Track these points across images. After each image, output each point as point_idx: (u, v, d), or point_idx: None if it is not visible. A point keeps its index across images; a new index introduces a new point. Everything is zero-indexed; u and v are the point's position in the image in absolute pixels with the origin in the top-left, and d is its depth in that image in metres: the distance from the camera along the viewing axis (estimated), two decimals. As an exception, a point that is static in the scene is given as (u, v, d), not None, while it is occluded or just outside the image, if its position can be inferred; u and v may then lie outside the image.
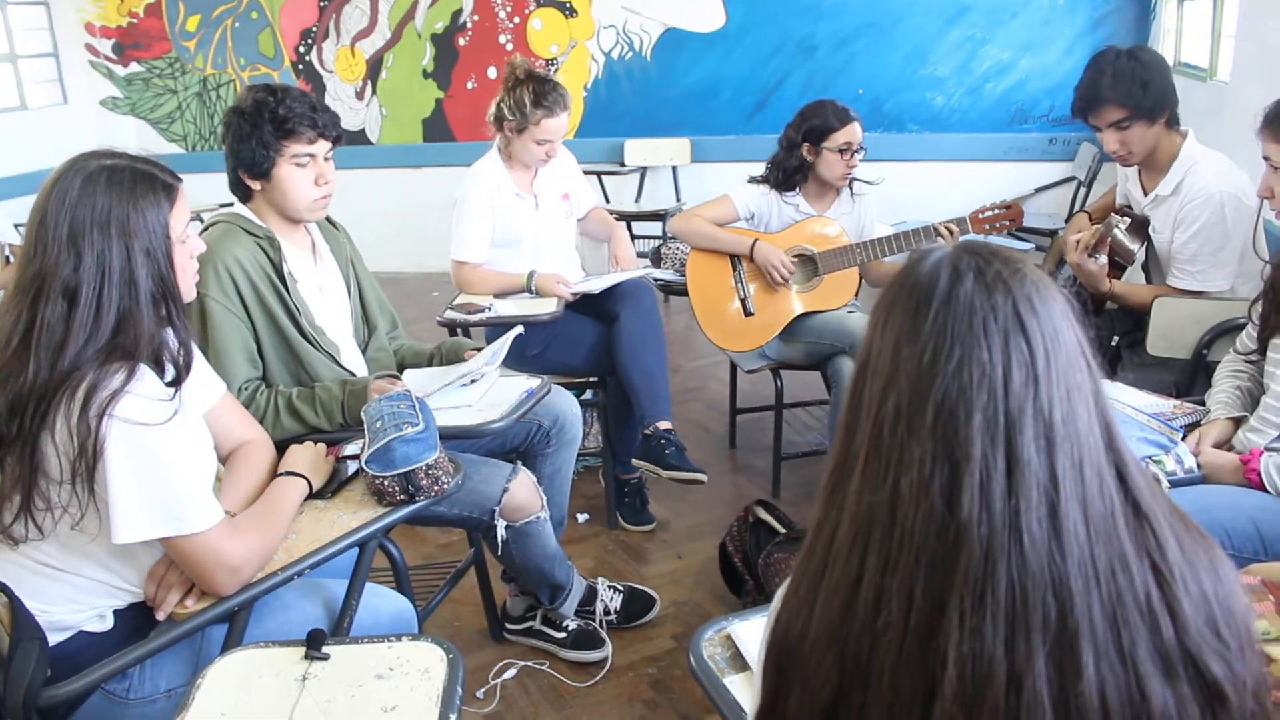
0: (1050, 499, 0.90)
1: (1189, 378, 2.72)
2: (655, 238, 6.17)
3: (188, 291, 1.81)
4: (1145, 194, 2.94)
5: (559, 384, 3.01)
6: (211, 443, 1.92)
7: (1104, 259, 2.86)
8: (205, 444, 1.88)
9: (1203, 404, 2.37)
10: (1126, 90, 2.75)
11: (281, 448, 2.12)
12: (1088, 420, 0.93)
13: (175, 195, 1.75)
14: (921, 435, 0.91)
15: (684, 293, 3.68)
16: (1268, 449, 2.07)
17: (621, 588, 3.01)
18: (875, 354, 0.97)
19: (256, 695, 1.45)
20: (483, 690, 2.72)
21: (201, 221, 2.49)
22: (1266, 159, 2.08)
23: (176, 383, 1.71)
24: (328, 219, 2.63)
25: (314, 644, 1.53)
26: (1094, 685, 0.88)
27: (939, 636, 0.89)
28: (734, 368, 4.01)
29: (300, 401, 2.35)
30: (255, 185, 2.41)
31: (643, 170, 6.82)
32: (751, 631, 1.51)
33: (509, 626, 2.93)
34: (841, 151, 3.43)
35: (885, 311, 0.98)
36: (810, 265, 3.54)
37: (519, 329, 2.75)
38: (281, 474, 2.00)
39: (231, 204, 2.49)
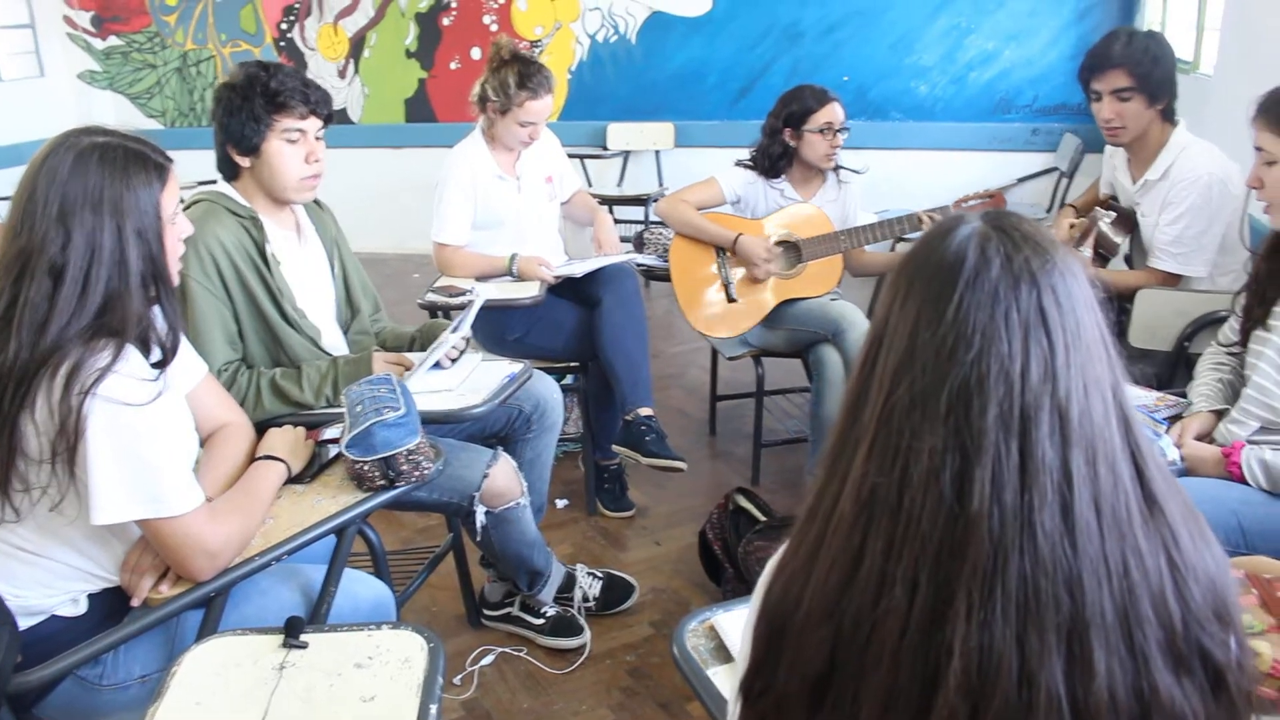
0: (1063, 495, 0.89)
1: (1170, 370, 2.72)
2: (638, 222, 6.15)
3: (175, 274, 1.78)
4: (1134, 181, 2.95)
5: (540, 368, 2.99)
6: (193, 425, 1.90)
7: (1088, 251, 2.87)
8: (187, 426, 1.86)
9: (1184, 396, 2.37)
10: (1138, 60, 2.78)
11: (261, 431, 2.09)
12: (1104, 413, 0.92)
13: (167, 175, 1.72)
14: (935, 423, 0.90)
15: (666, 278, 3.67)
16: (1249, 442, 2.07)
17: (600, 574, 3.00)
18: (891, 329, 0.95)
19: (233, 683, 1.43)
20: (460, 676, 2.70)
21: (183, 200, 2.44)
22: (1258, 149, 2.08)
23: (162, 364, 1.69)
24: (315, 200, 2.60)
25: (292, 631, 1.51)
26: (1104, 682, 0.87)
27: (945, 627, 0.88)
28: (715, 354, 4.00)
29: (284, 380, 2.32)
30: (244, 161, 2.37)
31: (626, 154, 6.78)
32: (735, 622, 1.50)
33: (487, 612, 2.92)
34: (822, 131, 3.42)
35: (907, 284, 0.96)
36: (794, 252, 3.52)
37: (481, 300, 2.72)
38: (260, 458, 1.98)
39: (214, 182, 2.45)
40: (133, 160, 1.66)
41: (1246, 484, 2.01)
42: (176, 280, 1.80)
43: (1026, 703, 0.87)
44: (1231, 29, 4.10)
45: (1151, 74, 2.78)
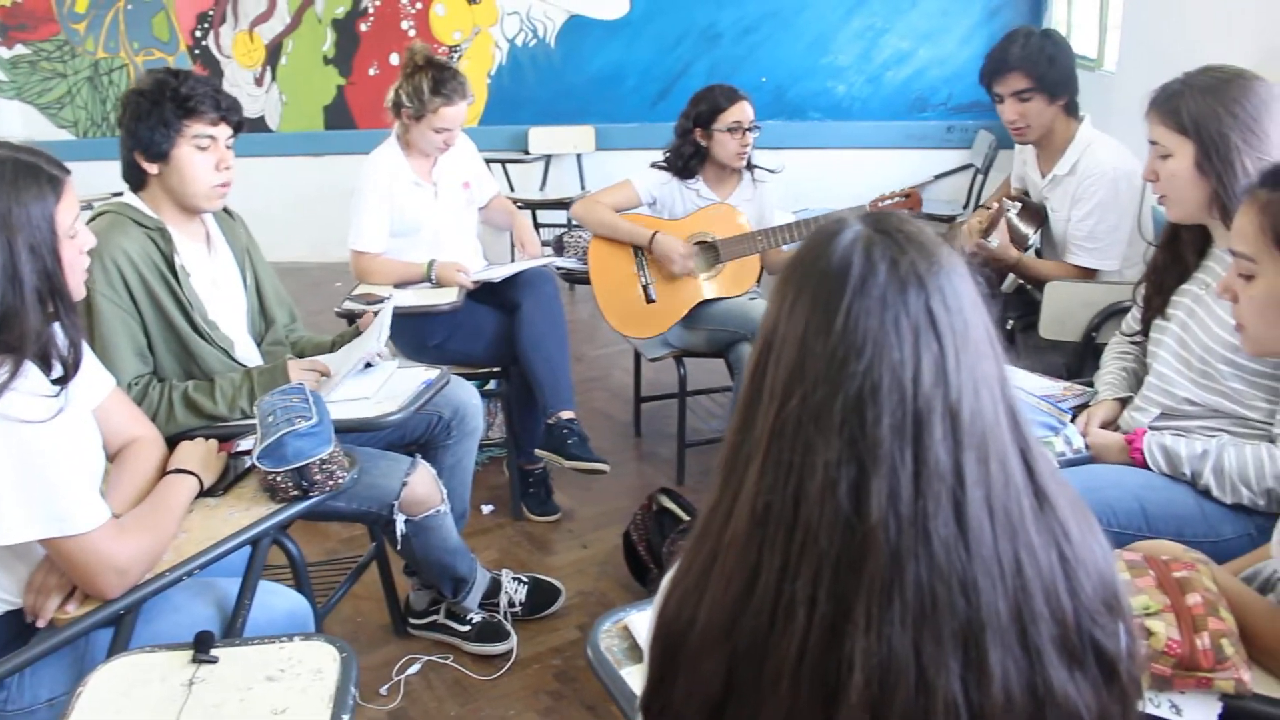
0: (957, 498, 0.88)
1: (1079, 360, 2.79)
2: (560, 226, 6.14)
3: (77, 289, 1.74)
4: (1043, 176, 3.03)
5: (461, 374, 2.99)
6: (99, 441, 1.86)
7: (996, 241, 2.93)
8: (92, 442, 1.82)
9: (1091, 385, 2.42)
10: (1034, 61, 2.87)
11: (173, 445, 2.06)
12: (994, 410, 0.91)
13: (62, 188, 1.68)
14: (829, 436, 0.89)
15: (588, 280, 3.67)
16: (1151, 428, 2.12)
17: (526, 579, 2.99)
18: (781, 339, 0.93)
19: (140, 702, 1.41)
20: (386, 687, 2.68)
21: (91, 207, 2.40)
22: (1152, 143, 2.13)
23: (64, 380, 1.65)
24: (224, 209, 2.56)
25: (202, 646, 1.50)
26: (999, 683, 0.87)
27: (845, 641, 0.87)
28: (638, 356, 4.01)
29: (197, 393, 2.28)
30: (152, 168, 2.32)
31: (547, 158, 6.77)
32: (646, 622, 1.50)
33: (412, 621, 2.90)
34: (732, 130, 3.46)
35: (794, 292, 0.94)
36: (712, 252, 3.55)
37: (394, 302, 2.71)
38: (171, 471, 1.95)
39: (121, 194, 2.41)
40: (23, 173, 1.62)
41: (1149, 469, 2.06)
42: (80, 295, 1.77)
43: (924, 710, 0.87)
44: (1131, 27, 4.22)
45: (1048, 73, 2.87)
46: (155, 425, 2.12)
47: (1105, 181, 2.84)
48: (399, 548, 2.56)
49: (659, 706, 0.98)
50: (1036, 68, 2.86)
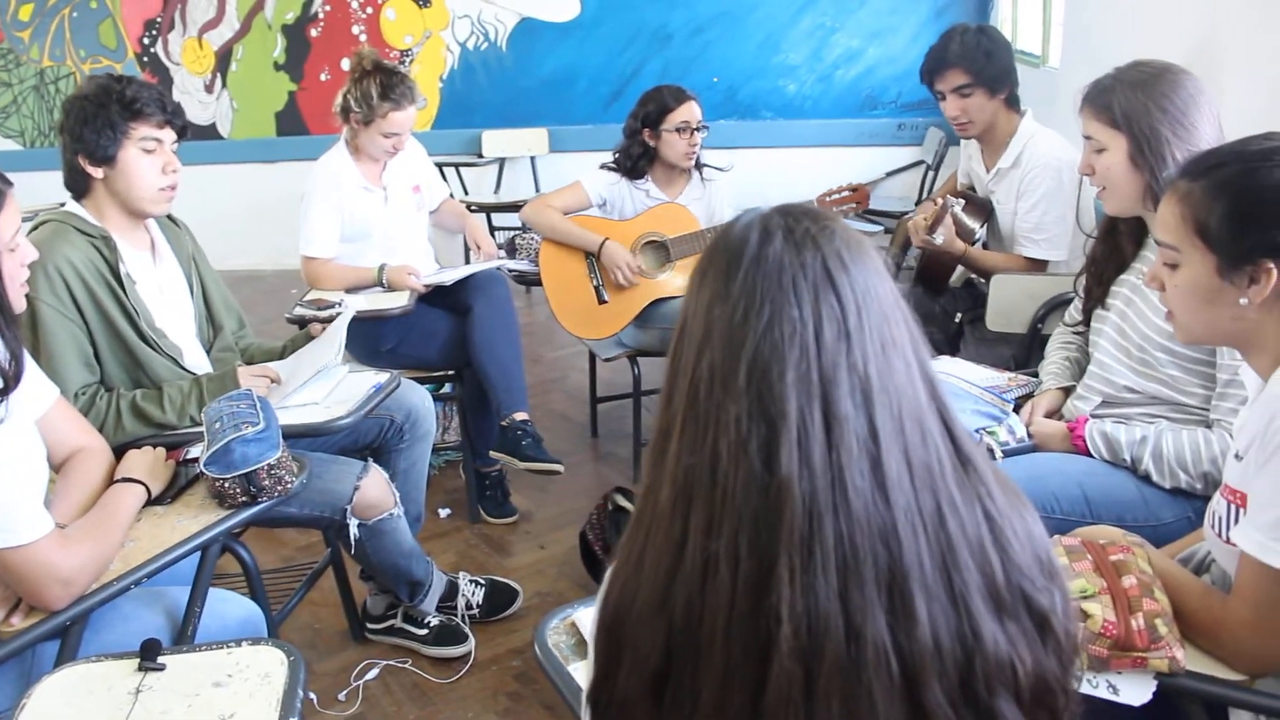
0: (870, 452, 0.90)
1: (1026, 351, 2.83)
2: (516, 229, 6.14)
3: (17, 301, 1.73)
4: (988, 170, 3.07)
5: (415, 378, 2.98)
6: (43, 451, 1.85)
7: (941, 237, 2.97)
8: (35, 452, 1.81)
9: (1036, 376, 2.46)
10: (972, 57, 2.93)
11: (120, 454, 2.05)
12: (905, 372, 0.93)
13: (2, 200, 1.67)
14: (736, 394, 0.91)
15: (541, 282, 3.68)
16: (1092, 415, 2.16)
17: (483, 581, 2.99)
18: (690, 316, 0.97)
19: (86, 712, 1.40)
20: (344, 692, 2.68)
21: (34, 217, 2.38)
22: (1086, 137, 2.17)
23: (4, 392, 1.64)
24: (169, 216, 2.55)
25: (148, 654, 1.49)
26: (927, 629, 0.89)
27: (770, 595, 0.88)
28: (594, 357, 4.02)
29: (145, 401, 2.27)
30: (97, 173, 2.31)
31: (501, 161, 6.76)
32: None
33: (370, 626, 2.89)
34: (680, 130, 3.48)
35: (700, 275, 0.98)
36: (663, 251, 3.57)
37: (351, 312, 2.72)
38: (117, 480, 1.94)
39: (65, 204, 2.39)
40: None
41: (1091, 456, 2.09)
42: (20, 307, 1.75)
43: (856, 658, 0.88)
44: (1073, 24, 4.28)
45: (986, 68, 2.92)
46: (103, 435, 2.11)
47: (1049, 172, 2.89)
48: (353, 552, 2.56)
49: (606, 698, 0.99)
50: (974, 63, 2.91)
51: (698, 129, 3.50)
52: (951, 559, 0.91)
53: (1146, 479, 2.01)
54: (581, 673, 1.44)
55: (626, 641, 0.96)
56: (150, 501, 1.96)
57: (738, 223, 0.98)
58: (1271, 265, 1.41)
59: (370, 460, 2.55)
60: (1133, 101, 2.07)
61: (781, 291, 0.92)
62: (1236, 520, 1.43)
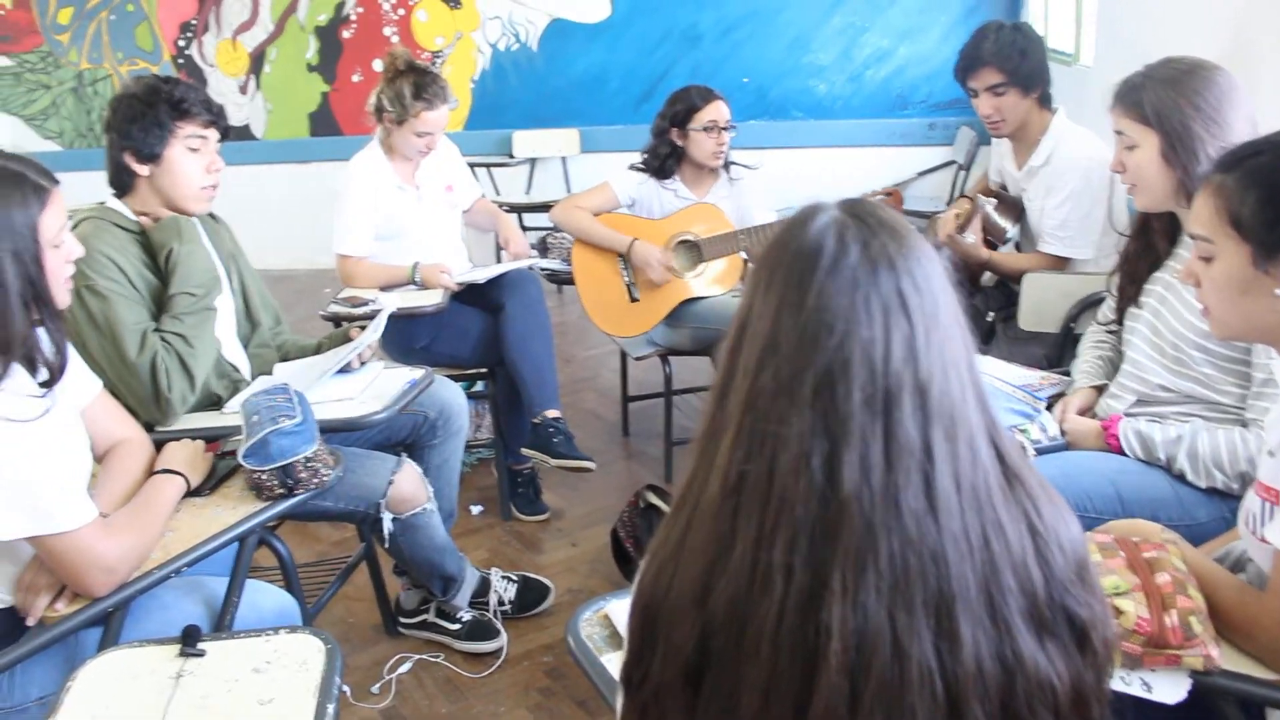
0: (926, 473, 0.91)
1: (1058, 350, 2.82)
2: (546, 229, 6.15)
3: (61, 298, 1.76)
4: (1019, 168, 3.07)
5: (448, 375, 3.01)
6: (87, 441, 1.88)
7: (973, 236, 2.97)
8: (79, 442, 1.84)
9: (1069, 374, 2.45)
10: (1006, 55, 2.91)
11: (159, 447, 2.08)
12: (961, 391, 0.94)
13: (47, 197, 1.70)
14: (801, 408, 0.91)
15: (574, 281, 3.70)
16: (1126, 414, 2.15)
17: (515, 577, 3.01)
18: (755, 317, 0.96)
19: (129, 695, 1.43)
20: (378, 685, 2.70)
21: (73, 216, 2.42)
22: (1118, 134, 2.17)
23: (50, 383, 1.67)
24: (210, 213, 2.58)
25: (189, 640, 1.52)
26: (970, 652, 0.90)
27: (822, 609, 0.89)
28: (625, 356, 4.04)
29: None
30: (143, 170, 2.35)
31: (532, 161, 6.79)
32: (626, 609, 1.53)
33: (403, 620, 2.92)
34: (708, 130, 3.49)
35: (768, 272, 0.97)
36: (694, 251, 3.58)
37: (389, 310, 2.75)
38: (158, 471, 1.97)
39: (104, 201, 2.43)
40: (8, 181, 1.64)
41: (1124, 455, 2.09)
42: (64, 302, 1.78)
43: (901, 677, 0.89)
44: (1106, 22, 4.26)
45: (1021, 67, 2.91)
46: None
47: (1079, 170, 2.87)
48: (387, 546, 2.58)
49: (639, 677, 1.00)
50: (1009, 62, 2.90)
51: (725, 128, 3.51)
52: (995, 581, 0.92)
53: (1181, 478, 2.00)
54: (615, 664, 1.45)
55: (660, 628, 0.97)
56: (189, 493, 1.99)
57: (810, 224, 0.97)
58: None
59: (404, 455, 2.57)
60: (1164, 98, 2.06)
61: (854, 309, 0.92)
62: (1271, 517, 1.43)
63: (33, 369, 1.66)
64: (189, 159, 2.36)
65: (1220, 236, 1.49)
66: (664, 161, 3.58)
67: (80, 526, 1.63)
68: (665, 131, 3.54)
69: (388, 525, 2.48)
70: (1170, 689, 1.38)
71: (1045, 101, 2.99)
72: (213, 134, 2.40)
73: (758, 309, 0.97)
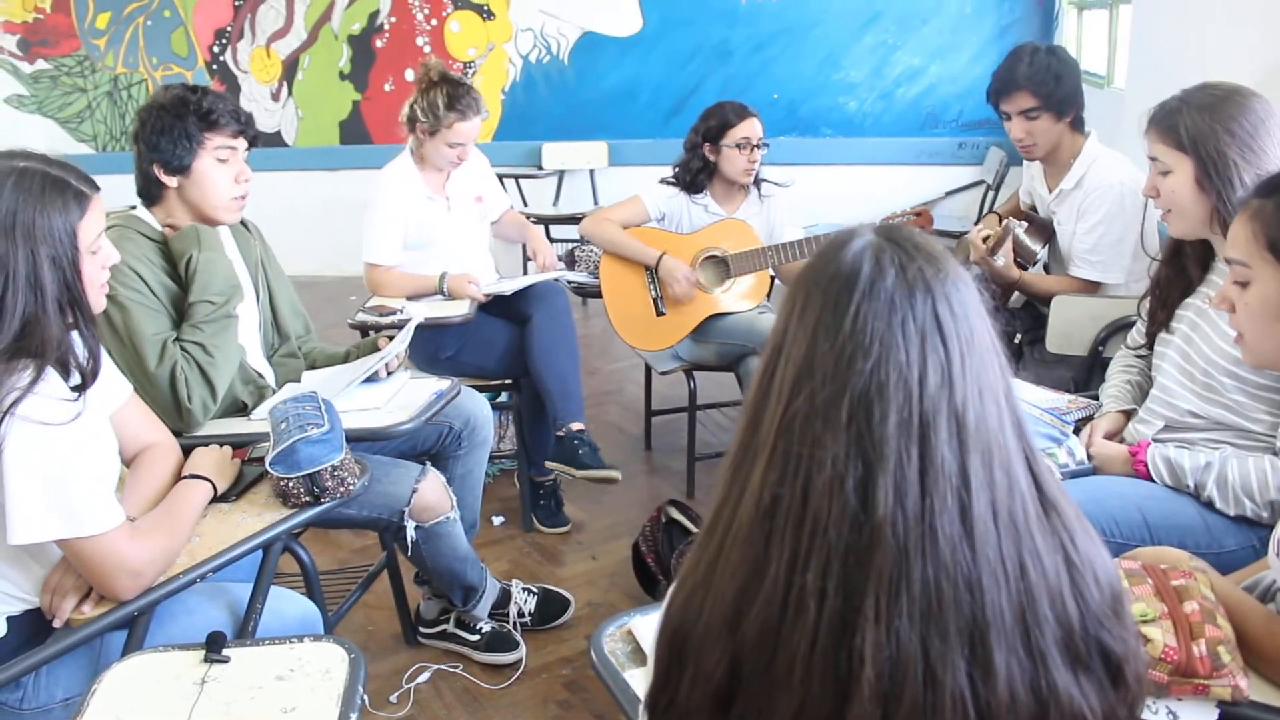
0: (962, 499, 0.90)
1: (1086, 373, 2.81)
2: (574, 241, 6.18)
3: (97, 303, 1.78)
4: (1050, 191, 3.05)
5: (473, 386, 3.02)
6: (115, 446, 1.89)
7: (1003, 259, 2.96)
8: (109, 446, 1.85)
9: (1096, 398, 2.44)
10: (1041, 80, 2.89)
11: (188, 452, 2.09)
12: (998, 417, 0.93)
13: (87, 204, 1.71)
14: (836, 432, 0.91)
15: (600, 294, 3.70)
16: (1154, 440, 2.14)
17: (536, 589, 3.02)
18: (790, 340, 0.96)
19: (153, 699, 1.43)
20: (396, 695, 2.71)
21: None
22: (1152, 159, 2.16)
23: (82, 387, 1.69)
24: (240, 221, 2.59)
25: (214, 646, 1.52)
26: (1004, 682, 0.89)
27: (856, 634, 0.89)
28: (649, 370, 4.04)
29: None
30: (172, 181, 2.35)
31: (561, 173, 6.82)
32: (651, 625, 1.52)
33: (423, 630, 2.92)
34: (740, 146, 3.49)
35: (804, 295, 0.97)
36: (722, 267, 3.58)
37: (417, 319, 2.77)
38: (185, 477, 1.98)
39: (135, 207, 2.44)
40: (51, 186, 1.66)
41: (1152, 481, 2.07)
42: (99, 308, 1.80)
43: (933, 704, 0.88)
44: (1140, 45, 4.24)
45: (1055, 92, 2.89)
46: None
47: (1110, 195, 2.86)
48: (409, 554, 2.59)
49: (665, 702, 1.00)
50: (1044, 86, 2.88)
51: (758, 145, 3.51)
52: (1031, 611, 0.91)
53: (1209, 506, 1.98)
54: (638, 680, 1.45)
55: (690, 653, 0.97)
56: (216, 498, 2.00)
57: (848, 248, 0.97)
58: None
59: (428, 464, 2.58)
60: (1200, 124, 2.05)
61: (890, 333, 0.92)
62: (1303, 547, 1.42)
63: (66, 373, 1.67)
64: (218, 170, 2.37)
65: (1257, 261, 1.49)
66: (695, 176, 3.58)
67: (108, 530, 1.64)
68: (698, 146, 3.55)
69: (411, 533, 2.49)
70: (1197, 719, 1.37)
71: (1078, 125, 2.97)
72: (241, 143, 2.41)
73: (793, 332, 0.96)
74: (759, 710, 0.93)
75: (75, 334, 1.71)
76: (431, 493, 2.52)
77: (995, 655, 0.89)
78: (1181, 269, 2.23)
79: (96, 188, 1.75)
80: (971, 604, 0.89)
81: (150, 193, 2.40)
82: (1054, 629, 0.92)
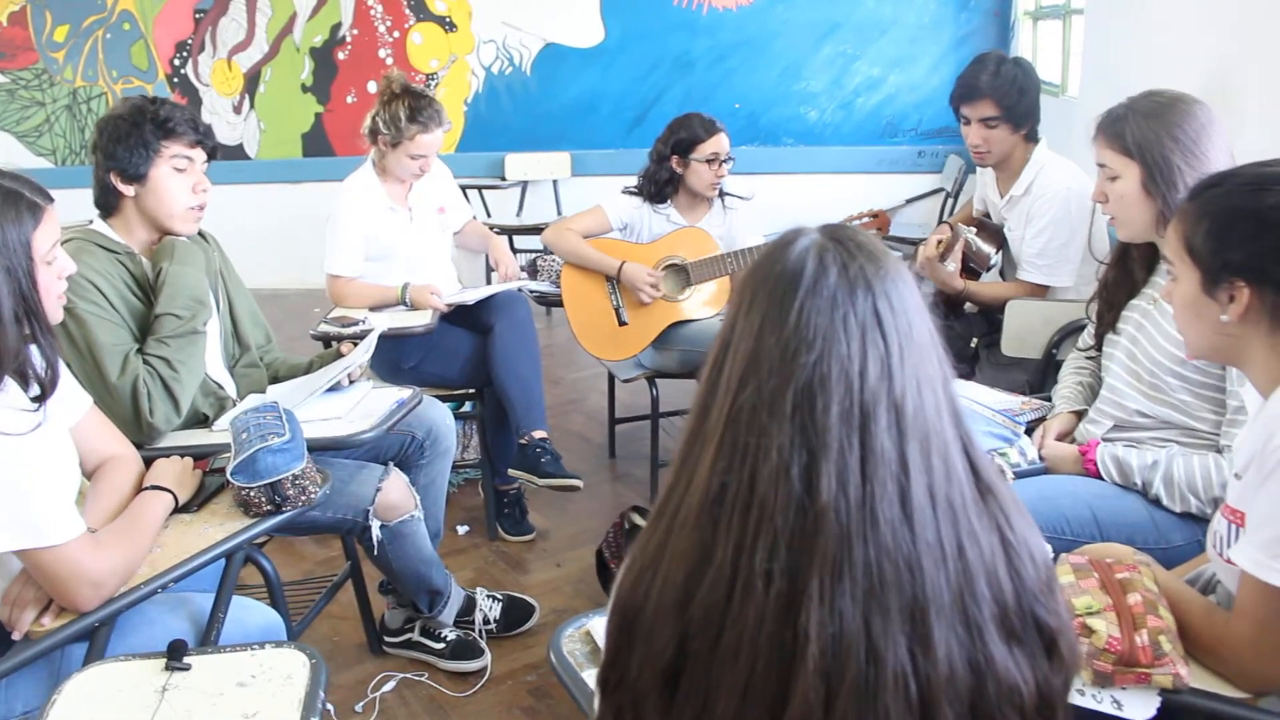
0: (901, 484, 0.94)
1: (1041, 376, 2.85)
2: (537, 251, 6.19)
3: (54, 313, 1.78)
4: (1001, 197, 3.11)
5: (436, 396, 3.03)
6: (76, 457, 1.90)
7: (953, 264, 3.00)
8: (68, 457, 1.86)
9: (1050, 400, 2.49)
10: (1005, 91, 2.94)
11: (148, 464, 2.10)
12: (936, 407, 0.97)
13: (41, 215, 1.72)
14: (781, 422, 0.95)
15: (562, 303, 3.72)
16: (1104, 439, 2.18)
17: (500, 597, 3.03)
18: (738, 335, 1.00)
19: (114, 710, 1.44)
20: (361, 704, 2.71)
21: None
22: (1100, 165, 2.21)
23: (41, 398, 1.69)
24: (199, 232, 2.59)
25: (174, 655, 1.53)
26: (943, 656, 0.93)
27: (801, 613, 0.92)
28: (613, 379, 4.06)
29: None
30: (129, 190, 2.35)
31: (524, 184, 6.84)
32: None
33: (387, 639, 2.93)
34: (709, 161, 3.52)
35: (751, 292, 1.01)
36: (682, 275, 3.61)
37: (380, 329, 2.79)
38: (146, 488, 1.98)
39: (91, 221, 2.44)
40: (4, 199, 1.66)
41: (1102, 479, 2.12)
42: (56, 318, 1.81)
43: (875, 679, 0.92)
44: (1092, 55, 4.31)
45: (1018, 105, 2.95)
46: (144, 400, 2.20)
47: (1057, 200, 2.92)
48: (374, 555, 2.60)
49: (615, 679, 1.03)
50: (1007, 98, 2.93)
51: (725, 160, 3.55)
52: (969, 589, 0.95)
53: (1157, 503, 2.03)
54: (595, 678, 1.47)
55: (640, 632, 1.00)
56: (177, 509, 2.00)
57: (792, 247, 1.01)
58: (1243, 284, 1.46)
59: (391, 464, 2.60)
60: (1145, 131, 2.10)
61: (833, 328, 0.96)
62: (1236, 539, 1.46)
63: (25, 384, 1.67)
64: (174, 179, 2.37)
65: (1179, 261, 1.55)
66: (661, 187, 3.61)
67: (68, 541, 1.65)
68: (665, 158, 3.57)
69: (376, 533, 2.49)
70: (1140, 707, 1.40)
71: (1032, 136, 3.03)
72: (199, 154, 2.41)
73: (740, 328, 1.00)
74: (706, 687, 0.96)
75: (33, 346, 1.71)
76: (395, 491, 2.53)
77: (935, 632, 0.93)
78: (1128, 271, 2.29)
79: (50, 199, 1.76)
80: (912, 584, 0.93)
81: (108, 202, 2.40)
82: (990, 605, 0.96)
